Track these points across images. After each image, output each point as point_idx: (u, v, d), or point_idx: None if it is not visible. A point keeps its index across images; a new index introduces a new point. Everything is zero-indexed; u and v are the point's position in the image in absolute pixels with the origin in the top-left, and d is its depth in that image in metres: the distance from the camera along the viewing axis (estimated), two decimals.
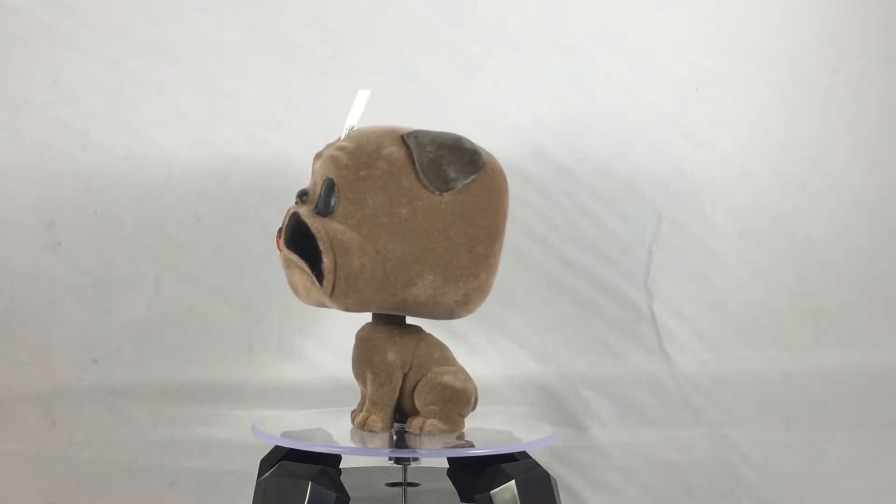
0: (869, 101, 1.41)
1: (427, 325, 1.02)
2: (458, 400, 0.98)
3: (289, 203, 0.99)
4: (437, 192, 0.95)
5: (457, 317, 1.00)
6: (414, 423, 0.98)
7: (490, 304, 1.03)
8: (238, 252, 1.33)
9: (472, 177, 0.95)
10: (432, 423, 0.97)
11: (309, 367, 1.34)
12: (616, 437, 1.38)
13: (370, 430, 0.98)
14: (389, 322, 1.00)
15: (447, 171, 0.95)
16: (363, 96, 1.01)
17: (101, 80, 1.32)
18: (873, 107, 1.41)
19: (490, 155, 0.99)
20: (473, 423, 1.05)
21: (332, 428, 1.03)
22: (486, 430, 1.06)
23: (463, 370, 1.00)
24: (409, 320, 1.02)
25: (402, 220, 0.95)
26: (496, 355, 1.37)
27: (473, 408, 1.01)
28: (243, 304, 1.33)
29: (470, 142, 0.97)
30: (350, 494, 0.95)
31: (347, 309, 0.97)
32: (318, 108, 1.33)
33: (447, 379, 0.97)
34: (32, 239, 1.31)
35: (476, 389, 1.00)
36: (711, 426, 1.39)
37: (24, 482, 1.31)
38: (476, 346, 1.36)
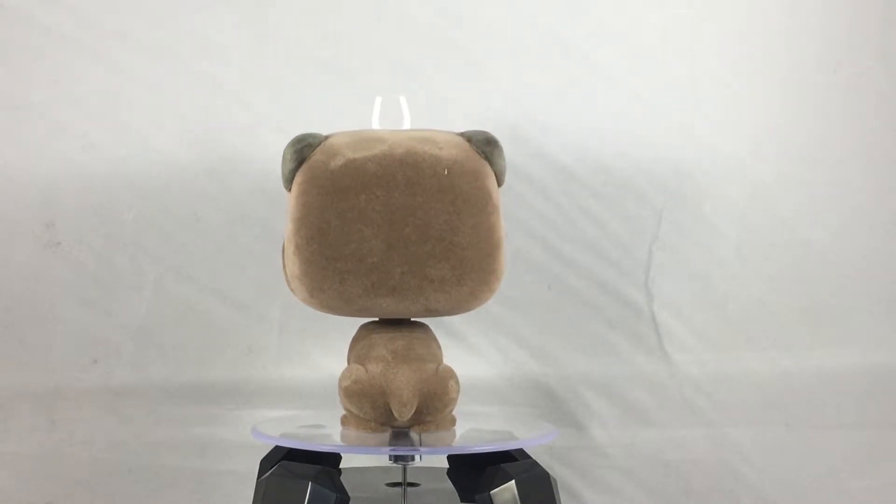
0: (869, 101, 1.41)
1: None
2: (340, 395, 1.00)
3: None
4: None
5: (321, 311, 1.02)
6: None
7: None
8: (238, 252, 1.33)
9: (293, 173, 0.99)
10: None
11: (309, 367, 1.34)
12: (616, 437, 1.38)
13: None
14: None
15: (281, 168, 1.00)
16: (379, 103, 1.04)
17: (101, 80, 1.32)
18: (873, 107, 1.41)
19: (331, 157, 0.98)
20: (474, 423, 1.05)
21: (332, 428, 1.03)
22: (486, 430, 1.06)
23: (358, 369, 0.99)
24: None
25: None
26: (496, 355, 1.37)
27: (436, 407, 0.98)
28: (243, 304, 1.34)
29: (301, 138, 0.99)
30: (350, 494, 0.95)
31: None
32: (318, 108, 1.33)
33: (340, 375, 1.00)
34: (32, 239, 1.31)
35: (366, 393, 0.98)
36: (711, 426, 1.39)
37: (24, 482, 1.31)
38: (476, 346, 1.36)
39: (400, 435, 0.99)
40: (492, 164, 1.00)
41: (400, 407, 0.97)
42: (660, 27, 1.38)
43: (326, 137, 1.00)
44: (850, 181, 1.41)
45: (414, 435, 0.98)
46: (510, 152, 1.05)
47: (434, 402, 0.98)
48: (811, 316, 1.41)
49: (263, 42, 1.34)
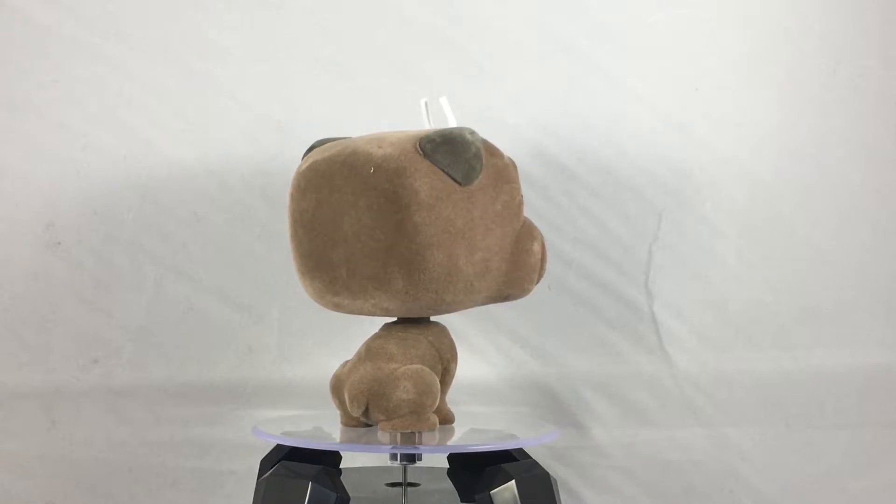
0: (869, 101, 1.41)
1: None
2: None
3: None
4: None
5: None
6: None
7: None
8: (238, 252, 1.33)
9: None
10: None
11: (309, 367, 1.34)
12: (616, 437, 1.38)
13: None
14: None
15: None
16: (446, 103, 1.04)
17: (101, 80, 1.32)
18: (873, 107, 1.41)
19: (305, 160, 1.02)
20: (474, 423, 1.05)
21: (333, 428, 1.03)
22: (486, 430, 1.06)
23: (341, 366, 1.02)
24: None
25: None
26: (496, 355, 1.37)
27: (384, 407, 0.97)
28: (243, 304, 1.33)
29: (314, 143, 1.04)
30: (350, 494, 0.95)
31: None
32: (318, 108, 1.33)
33: None
34: (32, 239, 1.31)
35: (338, 389, 1.01)
36: (711, 426, 1.39)
37: (24, 482, 1.31)
38: (476, 346, 1.36)
39: (404, 436, 0.98)
40: (435, 161, 0.95)
41: (348, 403, 0.98)
42: (660, 27, 1.38)
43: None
44: (849, 181, 1.41)
45: (385, 436, 0.98)
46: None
47: (380, 402, 0.97)
48: (811, 316, 1.41)
49: (263, 42, 1.34)
